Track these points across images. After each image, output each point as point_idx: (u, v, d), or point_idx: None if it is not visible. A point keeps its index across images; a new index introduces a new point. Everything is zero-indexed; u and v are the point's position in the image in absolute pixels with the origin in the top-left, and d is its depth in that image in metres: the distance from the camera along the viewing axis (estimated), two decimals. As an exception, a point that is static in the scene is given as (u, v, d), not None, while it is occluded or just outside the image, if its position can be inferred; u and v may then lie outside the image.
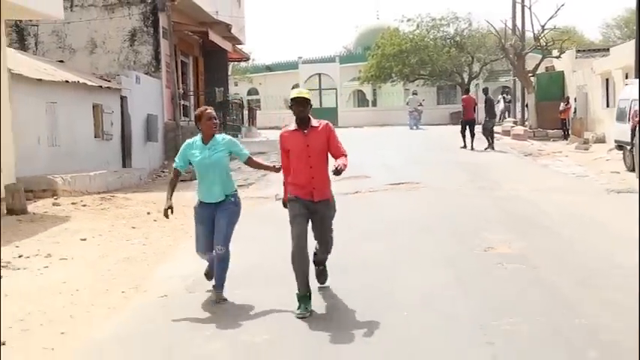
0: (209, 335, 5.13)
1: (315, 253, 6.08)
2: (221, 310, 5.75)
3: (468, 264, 6.82)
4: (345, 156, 5.79)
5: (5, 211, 10.17)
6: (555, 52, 28.19)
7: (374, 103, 47.80)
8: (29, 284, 6.71)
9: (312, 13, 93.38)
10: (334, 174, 5.57)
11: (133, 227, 9.58)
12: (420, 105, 33.79)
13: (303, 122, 5.82)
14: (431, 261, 7.00)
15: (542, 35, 28.10)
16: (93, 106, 15.89)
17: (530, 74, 28.21)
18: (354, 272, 6.58)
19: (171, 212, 6.14)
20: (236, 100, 28.44)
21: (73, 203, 11.23)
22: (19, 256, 7.68)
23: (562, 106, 26.02)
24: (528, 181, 12.91)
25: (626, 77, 21.48)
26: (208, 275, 6.40)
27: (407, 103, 34.25)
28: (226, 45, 26.07)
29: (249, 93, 47.42)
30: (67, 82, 14.11)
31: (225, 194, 6.17)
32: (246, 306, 5.79)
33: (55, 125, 13.81)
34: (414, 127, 31.25)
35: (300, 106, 5.75)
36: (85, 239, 8.77)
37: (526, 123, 28.78)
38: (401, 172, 13.78)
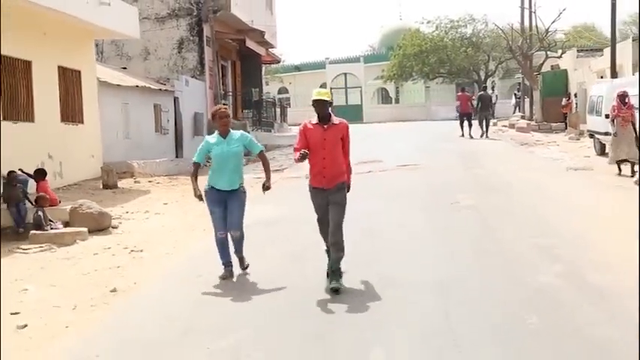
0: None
1: (327, 251, 6.56)
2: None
3: (436, 209, 10.02)
4: (349, 155, 6.58)
5: (102, 186, 13.50)
6: (559, 52, 30.99)
7: (397, 100, 50.78)
8: (139, 227, 9.99)
9: (338, 14, 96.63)
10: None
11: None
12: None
13: (324, 119, 6.43)
14: (413, 209, 10.16)
15: (545, 37, 30.89)
16: (154, 106, 19.25)
17: (535, 73, 31.01)
18: (362, 217, 9.64)
19: (202, 197, 6.89)
20: (269, 99, 31.74)
21: (149, 181, 14.58)
22: (126, 212, 10.99)
23: (564, 101, 28.73)
24: (509, 163, 15.94)
25: (616, 75, 24.25)
26: (225, 276, 6.83)
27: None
28: (260, 50, 29.36)
29: (280, 92, 50.53)
30: (136, 86, 17.48)
31: (236, 186, 6.84)
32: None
33: (127, 122, 17.19)
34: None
35: (320, 105, 6.39)
36: (166, 203, 12.06)
37: (533, 117, 31.56)
38: (407, 158, 16.86)
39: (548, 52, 30.75)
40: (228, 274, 6.85)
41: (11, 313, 5.86)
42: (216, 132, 6.93)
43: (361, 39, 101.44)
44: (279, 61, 38.39)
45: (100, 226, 9.53)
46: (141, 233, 9.47)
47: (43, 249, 8.55)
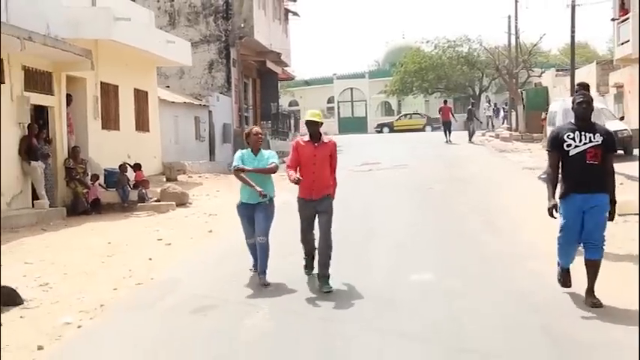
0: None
1: (317, 247, 7.31)
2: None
3: (415, 192, 14.26)
4: (335, 172, 7.35)
5: (165, 179, 17.71)
6: (539, 72, 35.27)
7: (399, 113, 55.07)
8: (207, 203, 14.22)
9: (345, 31, 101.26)
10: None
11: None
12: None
13: (314, 137, 7.14)
14: (398, 191, 14.38)
15: (528, 58, 35.15)
16: (194, 118, 23.52)
17: (520, 89, 35.23)
18: (355, 200, 13.75)
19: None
20: (284, 112, 36.07)
21: (199, 176, 18.83)
22: (193, 195, 15.21)
23: (543, 114, 32.86)
24: (481, 164, 20.10)
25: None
26: (255, 268, 7.60)
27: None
28: (277, 69, 33.68)
29: (290, 104, 54.79)
30: (184, 102, 21.79)
31: (268, 197, 7.40)
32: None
33: (177, 131, 21.47)
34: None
35: (312, 125, 7.10)
36: (218, 190, 16.28)
37: (518, 128, 35.77)
38: (400, 160, 21.07)
39: (530, 72, 34.98)
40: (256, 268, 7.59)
41: (158, 239, 10.12)
42: (248, 149, 7.53)
43: (367, 54, 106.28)
44: (293, 79, 42.72)
45: (181, 201, 13.78)
46: (209, 206, 13.69)
47: (149, 214, 12.83)
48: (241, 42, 28.68)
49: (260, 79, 33.86)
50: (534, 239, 9.00)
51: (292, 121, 38.29)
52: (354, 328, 5.84)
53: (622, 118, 23.02)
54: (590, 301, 6.12)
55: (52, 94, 13.64)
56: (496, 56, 36.99)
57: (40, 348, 5.66)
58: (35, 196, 12.78)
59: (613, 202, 6.26)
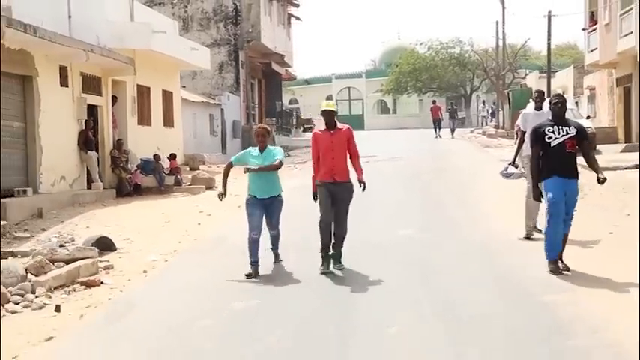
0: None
1: (333, 233, 7.86)
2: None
3: (405, 179, 16.97)
4: (359, 157, 8.05)
5: (189, 169, 20.36)
6: (523, 73, 38.04)
7: (394, 111, 57.76)
8: (230, 187, 16.84)
9: (343, 31, 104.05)
10: (363, 189, 7.93)
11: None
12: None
13: (330, 125, 7.86)
14: (391, 178, 17.07)
15: (513, 61, 37.90)
16: (209, 115, 26.18)
17: (506, 90, 37.97)
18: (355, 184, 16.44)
19: (224, 197, 8.43)
20: (287, 110, 38.77)
21: (217, 167, 21.48)
22: (217, 181, 17.87)
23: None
24: (464, 157, 22.81)
25: (564, 93, 31.22)
26: (250, 275, 7.75)
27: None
28: (281, 70, 36.37)
29: (290, 102, 57.23)
30: (201, 101, 24.47)
31: (275, 194, 7.96)
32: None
33: (195, 127, 24.13)
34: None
35: (328, 114, 7.83)
36: (235, 178, 18.86)
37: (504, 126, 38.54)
38: (394, 154, 23.77)
39: (515, 74, 37.75)
40: (253, 273, 7.77)
41: (199, 212, 12.81)
42: (256, 147, 8.07)
43: (364, 54, 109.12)
44: (295, 79, 45.40)
45: (209, 185, 16.47)
46: (232, 189, 16.28)
47: (184, 195, 15.52)
48: (249, 45, 31.25)
49: (265, 80, 36.49)
50: (492, 209, 11.75)
51: (295, 119, 40.98)
52: (359, 259, 8.48)
53: (588, 117, 25.70)
54: (563, 266, 7.43)
55: (100, 95, 16.28)
56: (484, 59, 39.71)
57: (144, 272, 8.35)
58: (89, 181, 15.44)
59: (596, 172, 7.55)
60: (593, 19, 25.44)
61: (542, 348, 5.28)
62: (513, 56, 38.00)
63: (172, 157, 17.82)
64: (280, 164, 7.96)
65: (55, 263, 7.93)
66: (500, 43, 38.75)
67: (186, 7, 31.03)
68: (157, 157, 17.10)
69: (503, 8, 37.28)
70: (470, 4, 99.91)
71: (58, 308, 6.76)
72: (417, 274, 7.81)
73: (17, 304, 6.90)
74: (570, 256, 7.73)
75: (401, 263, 8.35)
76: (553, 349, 5.25)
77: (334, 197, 7.88)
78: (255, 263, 7.85)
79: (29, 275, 7.47)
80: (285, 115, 37.63)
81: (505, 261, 8.30)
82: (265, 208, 8.00)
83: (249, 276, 7.73)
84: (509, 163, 9.91)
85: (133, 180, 16.44)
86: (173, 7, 30.68)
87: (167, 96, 20.78)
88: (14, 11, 12.44)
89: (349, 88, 56.81)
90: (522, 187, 9.95)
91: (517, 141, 10.03)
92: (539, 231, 8.92)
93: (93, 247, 8.68)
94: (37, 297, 7.08)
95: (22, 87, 13.15)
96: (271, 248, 8.42)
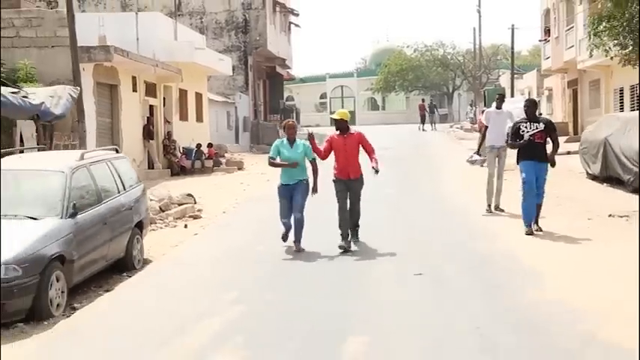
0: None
1: (350, 218, 9.44)
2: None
3: (390, 165, 21.86)
4: (374, 152, 9.45)
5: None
6: (496, 75, 43.08)
7: (383, 108, 62.66)
8: (254, 169, 21.72)
9: (336, 32, 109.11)
10: (375, 172, 9.23)
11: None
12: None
13: (343, 131, 9.31)
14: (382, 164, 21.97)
15: (488, 64, 42.94)
16: (227, 112, 31.02)
17: (482, 89, 43.00)
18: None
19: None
20: (288, 107, 43.70)
21: (238, 154, 26.35)
22: (244, 164, 22.72)
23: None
24: (440, 147, 27.78)
25: (529, 94, 36.27)
26: (284, 238, 9.21)
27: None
28: (283, 72, 41.23)
29: (287, 99, 61.75)
30: (222, 101, 29.35)
31: (301, 178, 9.13)
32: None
33: (217, 122, 28.99)
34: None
35: (341, 123, 9.31)
36: (257, 162, 23.79)
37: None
38: (382, 145, 28.60)
39: (489, 75, 42.79)
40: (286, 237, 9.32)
41: (240, 183, 17.71)
42: (284, 139, 9.05)
43: (356, 53, 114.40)
44: (294, 79, 50.21)
45: (240, 167, 21.37)
46: (257, 170, 21.20)
47: (223, 174, 20.39)
48: (257, 51, 36.02)
49: (269, 80, 41.29)
50: (457, 186, 16.75)
51: (295, 115, 45.86)
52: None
53: (540, 114, 30.66)
54: (536, 228, 9.70)
55: (156, 98, 21.12)
56: (464, 61, 44.75)
57: (224, 212, 13.27)
58: (149, 163, 20.28)
59: (553, 158, 9.64)
60: (547, 32, 30.42)
61: (474, 249, 10.24)
62: (488, 59, 43.01)
63: (209, 145, 22.69)
64: (316, 164, 9.40)
65: (172, 205, 12.82)
66: (478, 48, 43.84)
67: (202, 18, 35.73)
68: (198, 146, 21.96)
69: (480, 17, 42.38)
70: (452, 11, 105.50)
71: (185, 226, 11.67)
72: (394, 211, 12.76)
73: (159, 227, 11.79)
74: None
75: (384, 204, 13.27)
76: (470, 248, 10.20)
77: (349, 189, 9.45)
78: (287, 228, 9.39)
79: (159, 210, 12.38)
80: (287, 111, 42.49)
81: (453, 200, 13.23)
82: (291, 192, 9.20)
83: (284, 239, 9.40)
84: (474, 152, 12.63)
85: (180, 163, 21.29)
86: (191, 18, 35.39)
87: (198, 97, 25.63)
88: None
89: (342, 86, 61.70)
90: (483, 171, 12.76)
91: (481, 134, 12.65)
92: (502, 210, 11.58)
93: (191, 196, 13.54)
94: (169, 222, 11.98)
95: (109, 93, 17.97)
96: (294, 241, 9.18)
